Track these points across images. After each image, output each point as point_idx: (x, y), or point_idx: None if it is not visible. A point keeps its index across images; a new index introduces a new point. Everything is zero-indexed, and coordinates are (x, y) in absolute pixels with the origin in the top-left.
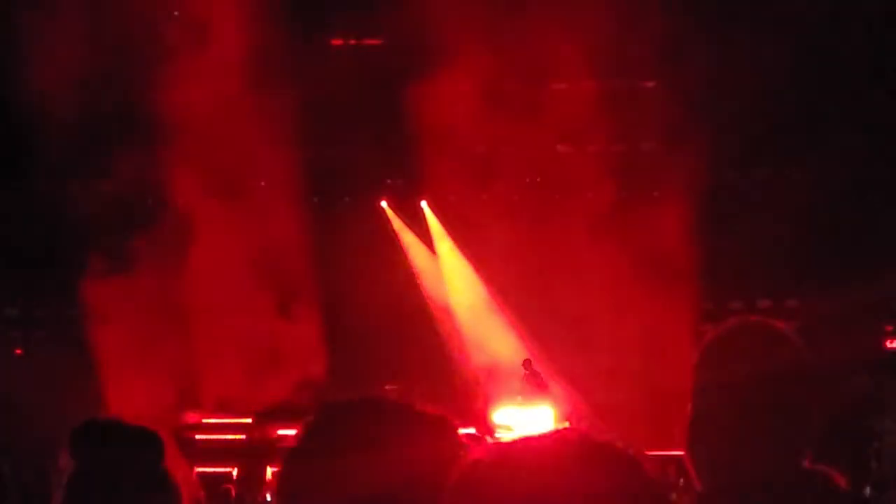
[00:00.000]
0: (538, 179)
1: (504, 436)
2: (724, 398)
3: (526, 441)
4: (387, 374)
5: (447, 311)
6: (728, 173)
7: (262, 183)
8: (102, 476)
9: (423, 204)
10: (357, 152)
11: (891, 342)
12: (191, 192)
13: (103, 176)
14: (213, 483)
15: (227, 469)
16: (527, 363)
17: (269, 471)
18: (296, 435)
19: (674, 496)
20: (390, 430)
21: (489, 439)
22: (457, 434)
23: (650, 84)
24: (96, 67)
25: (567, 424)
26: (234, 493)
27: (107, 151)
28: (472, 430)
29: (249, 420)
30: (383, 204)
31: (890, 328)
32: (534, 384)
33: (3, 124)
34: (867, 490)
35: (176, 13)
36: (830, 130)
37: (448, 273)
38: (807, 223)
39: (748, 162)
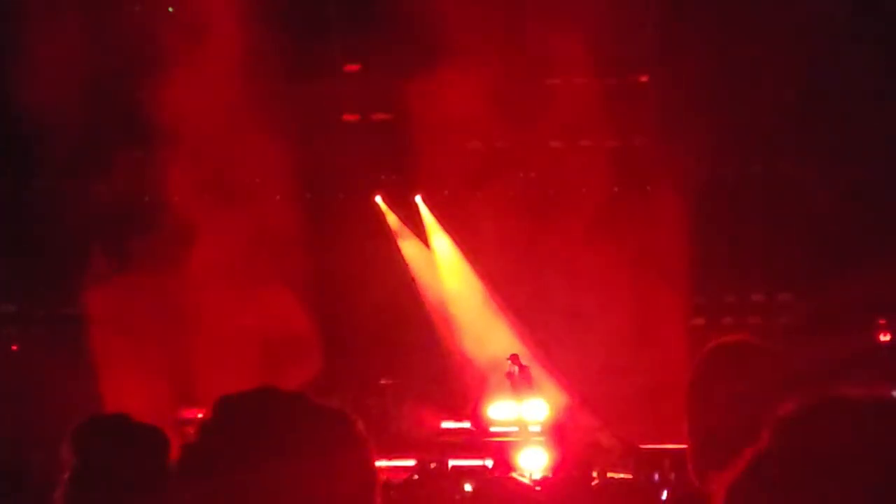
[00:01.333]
0: (532, 175)
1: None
2: (725, 416)
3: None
4: (382, 369)
5: (442, 306)
6: (721, 168)
7: (257, 179)
8: (107, 472)
9: (418, 199)
10: (352, 147)
11: (884, 335)
12: (186, 189)
13: (100, 174)
14: None
15: None
16: (514, 358)
17: None
18: (193, 432)
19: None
20: (287, 426)
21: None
22: (358, 430)
23: (643, 79)
24: (94, 68)
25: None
26: None
27: (103, 150)
28: (467, 425)
29: None
30: (378, 199)
31: (883, 322)
32: (521, 379)
33: (1, 123)
34: None
35: (170, 9)
36: (823, 126)
37: (443, 268)
38: (799, 218)
39: (742, 157)
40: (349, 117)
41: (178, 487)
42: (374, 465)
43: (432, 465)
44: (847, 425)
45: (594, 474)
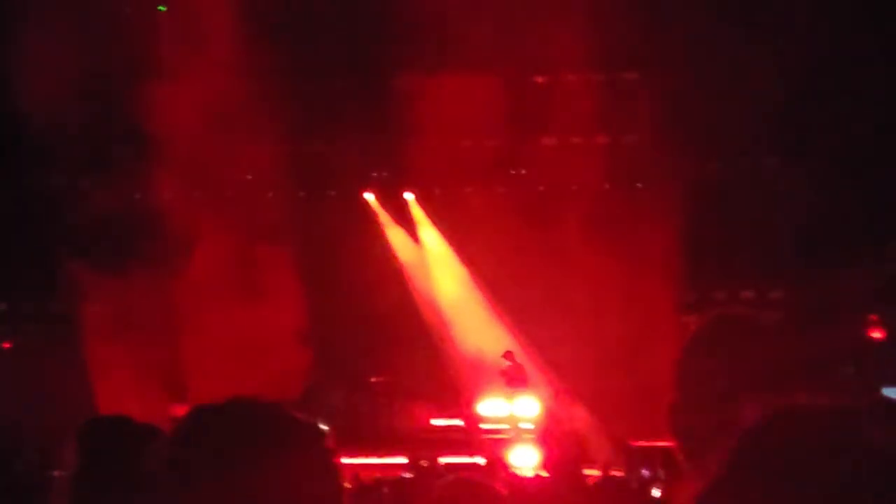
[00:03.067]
0: (523, 172)
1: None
2: (706, 388)
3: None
4: (372, 366)
5: (433, 303)
6: (711, 165)
7: (249, 177)
8: (110, 474)
9: (409, 196)
10: (342, 145)
11: (876, 332)
12: (178, 187)
13: (93, 173)
14: None
15: None
16: (508, 355)
17: None
18: (170, 440)
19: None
20: (257, 437)
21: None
22: (326, 441)
23: (632, 76)
24: (88, 68)
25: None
26: None
27: (97, 149)
28: (458, 422)
29: None
30: (369, 196)
31: (875, 318)
32: (515, 376)
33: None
34: None
35: (161, 8)
36: (812, 123)
37: (433, 265)
38: (789, 214)
39: (731, 154)
40: (340, 115)
41: (151, 496)
42: (340, 475)
43: (424, 464)
44: (807, 435)
45: (596, 472)
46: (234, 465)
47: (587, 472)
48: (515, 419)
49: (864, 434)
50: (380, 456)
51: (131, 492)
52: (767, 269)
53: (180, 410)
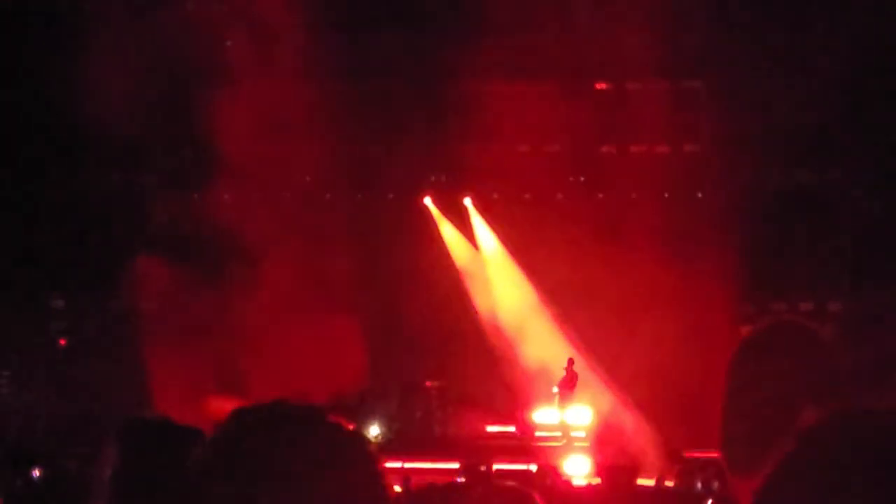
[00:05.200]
0: (581, 179)
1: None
2: (758, 397)
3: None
4: (427, 371)
5: (489, 308)
6: (772, 175)
7: (308, 178)
8: (150, 475)
9: (467, 201)
10: (402, 149)
11: None
12: (236, 188)
13: (154, 173)
14: None
15: None
16: (570, 362)
17: None
18: (209, 441)
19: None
20: (297, 441)
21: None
22: (369, 448)
23: (694, 85)
24: (150, 66)
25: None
26: None
27: (158, 150)
28: (511, 429)
29: None
30: (427, 201)
31: None
32: (566, 384)
33: (56, 121)
34: None
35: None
36: (873, 133)
37: (492, 271)
38: (849, 226)
39: (792, 164)
40: (400, 119)
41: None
42: (384, 482)
43: (482, 468)
44: (872, 440)
45: (650, 482)
46: (271, 468)
47: (641, 482)
48: (567, 427)
49: None
50: (432, 461)
51: (171, 492)
52: (826, 280)
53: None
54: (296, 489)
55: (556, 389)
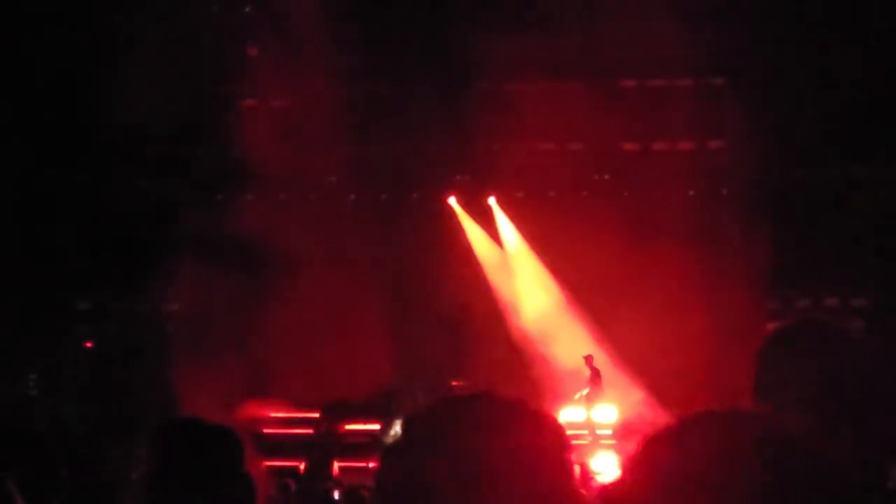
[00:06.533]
0: (606, 177)
1: None
2: (783, 395)
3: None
4: (453, 370)
5: (514, 307)
6: (795, 172)
7: (332, 179)
8: (183, 475)
9: (492, 200)
10: (426, 148)
11: None
12: (261, 189)
13: (180, 176)
14: (277, 476)
15: (294, 463)
16: (588, 359)
17: (336, 465)
18: (402, 430)
19: None
20: (501, 429)
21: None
22: (563, 434)
23: (719, 81)
24: (178, 71)
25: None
26: (293, 486)
27: (183, 151)
28: None
29: (317, 415)
30: (451, 200)
31: None
32: (591, 381)
33: (83, 124)
34: None
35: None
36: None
37: (515, 269)
38: (874, 222)
39: (816, 161)
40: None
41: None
42: (572, 470)
43: None
44: (708, 440)
45: None
46: (471, 453)
47: None
48: (593, 426)
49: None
50: None
51: (204, 493)
52: (852, 277)
53: (261, 411)
54: (492, 472)
55: (583, 392)
